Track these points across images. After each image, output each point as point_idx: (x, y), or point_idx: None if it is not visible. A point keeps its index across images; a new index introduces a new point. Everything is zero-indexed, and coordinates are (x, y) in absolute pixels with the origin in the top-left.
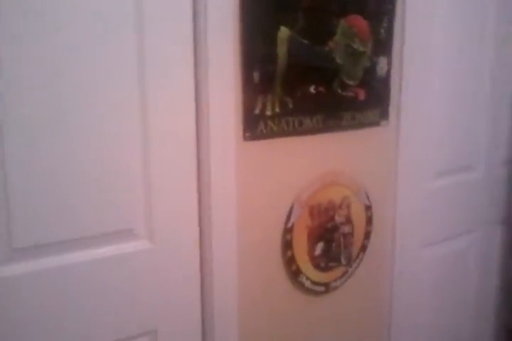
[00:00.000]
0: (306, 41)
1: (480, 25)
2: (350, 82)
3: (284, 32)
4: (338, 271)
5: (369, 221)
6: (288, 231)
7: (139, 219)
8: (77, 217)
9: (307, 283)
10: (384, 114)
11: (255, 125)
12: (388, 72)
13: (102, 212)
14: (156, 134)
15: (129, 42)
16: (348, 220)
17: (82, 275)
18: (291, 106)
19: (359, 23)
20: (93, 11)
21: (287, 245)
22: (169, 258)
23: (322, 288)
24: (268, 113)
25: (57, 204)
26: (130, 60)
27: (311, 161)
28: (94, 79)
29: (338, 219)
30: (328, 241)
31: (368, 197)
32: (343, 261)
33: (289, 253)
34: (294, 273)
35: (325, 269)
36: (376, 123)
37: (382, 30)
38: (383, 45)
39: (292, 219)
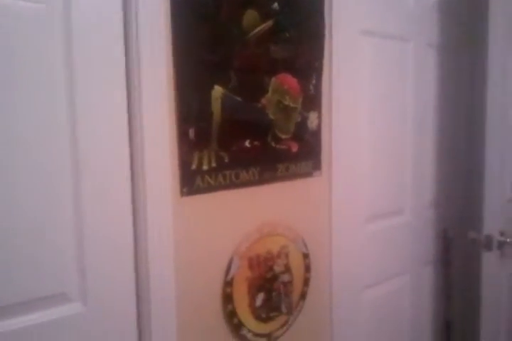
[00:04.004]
0: (239, 98)
1: (402, 77)
2: (283, 136)
3: (217, 90)
4: (279, 321)
5: (307, 268)
6: (228, 284)
7: (72, 283)
8: (5, 283)
9: (249, 336)
10: (316, 165)
11: (192, 180)
12: (319, 125)
13: (33, 277)
14: (90, 191)
15: (61, 101)
16: (287, 269)
17: None
18: (227, 160)
19: (289, 80)
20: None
21: (228, 298)
22: (105, 319)
23: (264, 340)
24: (205, 167)
25: None
26: (62, 116)
27: (249, 213)
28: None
29: (277, 268)
30: (268, 291)
31: (305, 245)
32: (284, 310)
33: (230, 306)
34: (236, 326)
35: (266, 319)
36: (309, 174)
37: (311, 87)
38: (313, 100)
39: (232, 272)
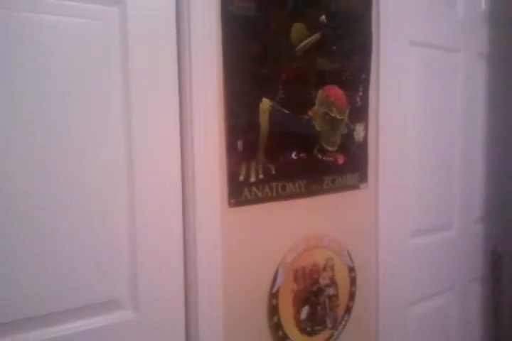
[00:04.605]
0: (286, 111)
1: (451, 88)
2: (330, 148)
3: (265, 103)
4: (324, 335)
5: (353, 282)
6: (274, 296)
7: (124, 289)
8: (59, 289)
9: None
10: (363, 178)
11: (240, 191)
12: (365, 137)
13: (86, 284)
14: (143, 202)
15: (116, 109)
16: (333, 282)
17: None
18: (274, 171)
19: (335, 92)
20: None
21: (273, 310)
22: (155, 327)
23: None
24: (252, 179)
25: (38, 277)
26: (117, 125)
27: (295, 225)
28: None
29: (323, 281)
30: (313, 305)
31: (350, 259)
32: (329, 324)
33: (275, 318)
34: (281, 338)
35: (311, 333)
36: (356, 187)
37: (358, 99)
38: (359, 112)
39: (277, 284)
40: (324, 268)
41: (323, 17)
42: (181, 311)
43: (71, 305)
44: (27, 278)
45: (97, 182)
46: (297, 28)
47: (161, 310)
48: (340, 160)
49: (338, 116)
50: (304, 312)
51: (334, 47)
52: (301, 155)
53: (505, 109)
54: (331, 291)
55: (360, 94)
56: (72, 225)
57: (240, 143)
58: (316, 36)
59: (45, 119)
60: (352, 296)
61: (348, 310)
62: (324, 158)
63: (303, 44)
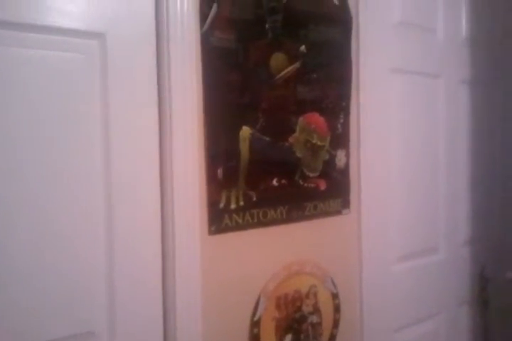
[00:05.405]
0: (267, 138)
1: (432, 114)
2: (311, 174)
3: (245, 131)
4: None
5: (337, 309)
6: (255, 324)
7: (101, 321)
8: (32, 322)
9: None
10: (345, 203)
11: (220, 219)
12: (347, 163)
13: (61, 315)
14: (121, 231)
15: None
16: (316, 309)
17: None
18: (255, 198)
19: (316, 120)
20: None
21: (255, 339)
22: None
23: None
24: (233, 206)
25: (10, 310)
26: (97, 154)
27: (277, 252)
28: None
29: (306, 308)
30: (296, 333)
31: (334, 285)
32: None
33: None
34: None
35: None
36: (338, 212)
37: (339, 126)
38: (341, 138)
39: (259, 312)
40: (307, 296)
41: (303, 47)
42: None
43: (46, 337)
44: None
45: (74, 209)
46: (277, 58)
47: None
48: (322, 186)
49: (319, 143)
50: (287, 340)
51: (314, 76)
52: (283, 181)
53: (488, 134)
54: (314, 319)
55: (341, 121)
56: (48, 255)
57: (220, 171)
58: (296, 65)
59: (26, 142)
60: (336, 323)
61: (333, 337)
62: (306, 184)
63: (283, 73)
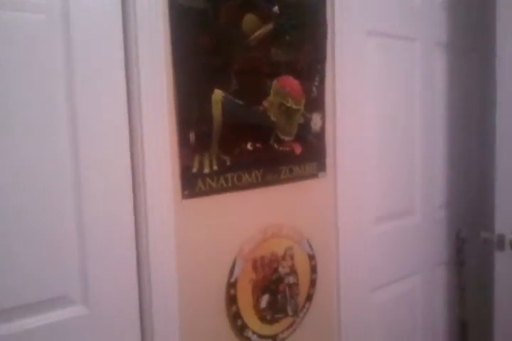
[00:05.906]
0: (240, 101)
1: (409, 77)
2: (286, 138)
3: (217, 94)
4: (285, 323)
5: (313, 270)
6: (232, 285)
7: (74, 285)
8: (5, 286)
9: (254, 337)
10: (321, 166)
11: (193, 183)
12: (322, 126)
13: (34, 279)
14: (91, 194)
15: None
16: (293, 270)
17: None
18: (229, 163)
19: (291, 83)
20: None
21: (232, 300)
22: (108, 322)
23: None
24: (206, 171)
25: None
26: (62, 116)
27: (252, 215)
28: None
29: (282, 270)
30: (273, 293)
31: (311, 247)
32: (290, 312)
33: (234, 308)
34: (240, 328)
35: (271, 321)
36: (314, 176)
37: (314, 89)
38: (316, 102)
39: (235, 274)
40: (283, 257)
41: (276, 8)
42: (135, 305)
43: (18, 302)
44: None
45: (41, 174)
46: (249, 19)
47: (113, 305)
48: (298, 149)
49: (293, 106)
50: (264, 300)
51: (288, 38)
52: (257, 145)
53: (464, 96)
54: (290, 279)
55: (316, 84)
56: (17, 221)
57: (192, 135)
58: (269, 26)
59: None
60: (313, 284)
61: (309, 297)
62: (281, 148)
63: (255, 34)
